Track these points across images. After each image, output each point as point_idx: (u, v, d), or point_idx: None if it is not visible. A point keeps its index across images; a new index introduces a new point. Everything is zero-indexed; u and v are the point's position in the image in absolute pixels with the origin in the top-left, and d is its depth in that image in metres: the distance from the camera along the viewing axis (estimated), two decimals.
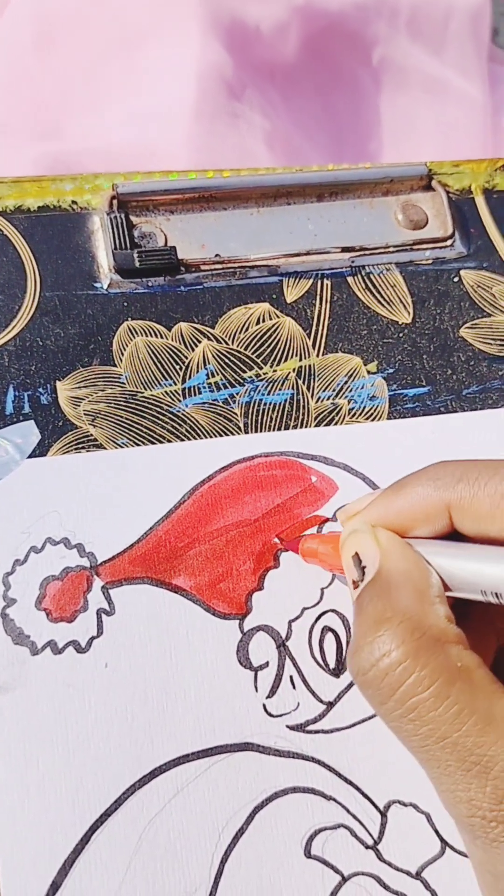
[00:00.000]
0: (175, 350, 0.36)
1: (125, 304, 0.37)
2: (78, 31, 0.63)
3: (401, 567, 0.26)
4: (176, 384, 0.36)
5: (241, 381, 0.36)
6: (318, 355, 0.38)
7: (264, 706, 0.31)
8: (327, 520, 0.34)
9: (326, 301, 0.39)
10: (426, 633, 0.24)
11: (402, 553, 0.26)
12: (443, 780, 0.23)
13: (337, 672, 0.32)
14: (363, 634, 0.24)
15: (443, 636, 0.24)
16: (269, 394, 0.36)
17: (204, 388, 0.36)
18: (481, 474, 0.26)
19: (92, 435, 0.34)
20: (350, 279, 0.39)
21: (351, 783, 0.31)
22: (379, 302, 0.39)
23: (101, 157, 0.58)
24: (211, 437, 0.35)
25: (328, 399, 0.37)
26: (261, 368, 0.37)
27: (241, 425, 0.35)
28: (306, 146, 0.68)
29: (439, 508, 0.26)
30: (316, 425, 0.36)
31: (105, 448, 0.34)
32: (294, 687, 0.31)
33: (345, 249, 0.40)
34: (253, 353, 0.37)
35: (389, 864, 0.30)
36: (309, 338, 0.38)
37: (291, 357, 0.37)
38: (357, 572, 0.27)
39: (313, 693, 0.32)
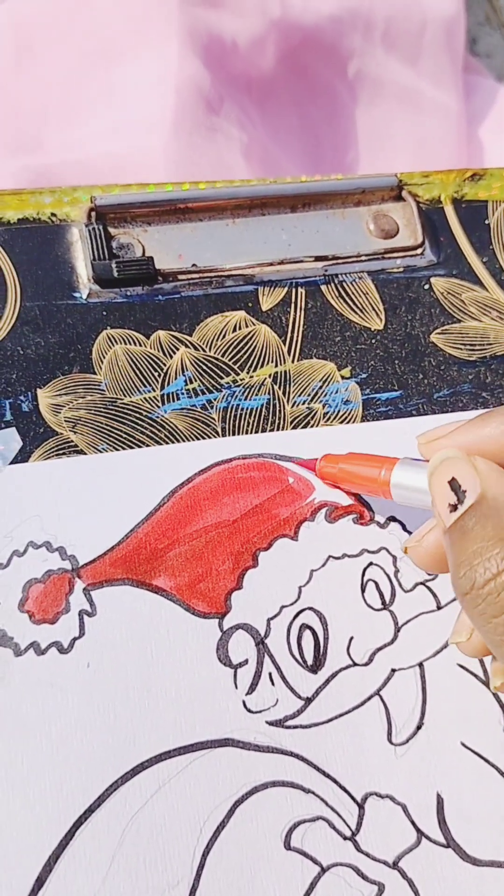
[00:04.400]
0: (153, 357, 0.37)
1: (104, 313, 0.38)
2: (56, 45, 0.64)
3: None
4: (155, 391, 0.37)
5: (219, 386, 0.37)
6: (293, 361, 0.38)
7: (244, 703, 0.32)
8: (305, 520, 0.35)
9: (301, 309, 0.40)
10: None
11: (502, 478, 0.27)
12: None
13: (314, 668, 0.33)
14: (475, 553, 0.26)
15: None
16: (245, 399, 0.37)
17: (182, 394, 0.37)
18: None
19: (73, 441, 0.35)
20: (323, 287, 0.40)
21: (329, 776, 0.31)
22: (352, 309, 0.40)
23: (80, 170, 0.59)
24: (189, 441, 0.36)
25: (303, 403, 0.38)
26: (237, 374, 0.38)
27: (219, 430, 0.36)
28: (283, 158, 0.69)
29: None
30: (292, 429, 0.37)
31: (86, 454, 0.35)
32: (273, 683, 0.32)
33: (318, 258, 0.41)
34: (230, 360, 0.38)
35: (367, 855, 0.31)
36: (284, 344, 0.39)
37: (267, 363, 0.38)
38: (454, 496, 0.27)
39: (292, 689, 0.32)
